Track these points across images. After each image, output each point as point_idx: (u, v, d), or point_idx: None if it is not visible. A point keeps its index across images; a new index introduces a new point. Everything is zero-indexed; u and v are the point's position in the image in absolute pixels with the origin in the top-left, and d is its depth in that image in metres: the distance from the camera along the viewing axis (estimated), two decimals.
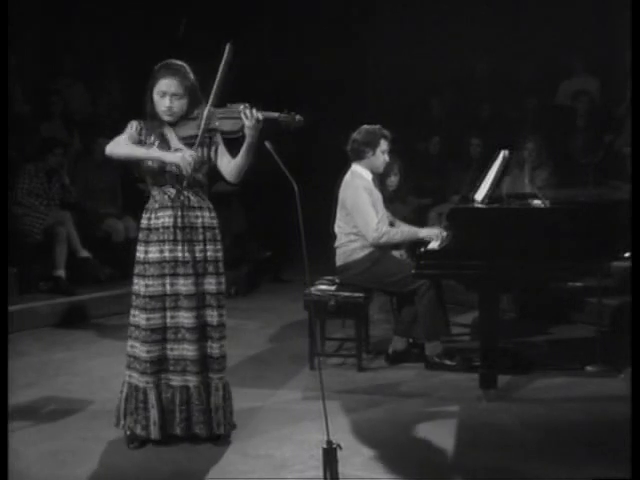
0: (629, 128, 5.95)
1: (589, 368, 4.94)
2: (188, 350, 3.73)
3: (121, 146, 3.73)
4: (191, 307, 3.73)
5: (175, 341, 3.75)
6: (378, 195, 5.16)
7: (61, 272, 6.81)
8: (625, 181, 5.17)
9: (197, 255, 3.76)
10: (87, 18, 8.90)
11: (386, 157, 5.14)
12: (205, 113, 3.66)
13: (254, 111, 3.62)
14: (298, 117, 3.67)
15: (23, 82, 8.35)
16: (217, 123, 3.70)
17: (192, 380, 3.75)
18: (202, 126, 3.66)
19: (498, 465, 3.58)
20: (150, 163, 3.72)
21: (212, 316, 3.78)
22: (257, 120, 3.61)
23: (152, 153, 3.70)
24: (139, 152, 3.72)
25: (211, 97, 3.66)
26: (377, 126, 5.14)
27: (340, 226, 5.15)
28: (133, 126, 3.80)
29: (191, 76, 3.78)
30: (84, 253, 7.03)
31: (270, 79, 9.49)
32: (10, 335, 5.12)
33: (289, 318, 6.42)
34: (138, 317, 3.78)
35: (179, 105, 3.74)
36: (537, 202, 4.68)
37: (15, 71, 7.83)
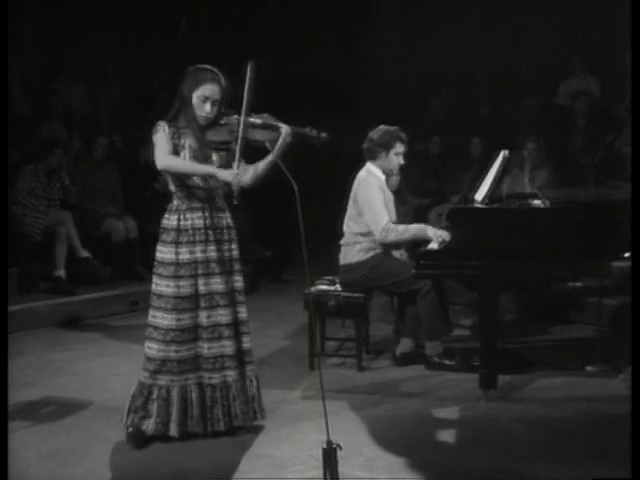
0: (629, 128, 5.95)
1: (589, 368, 4.94)
2: (226, 347, 3.83)
3: (175, 160, 3.75)
4: (227, 304, 3.84)
5: (212, 340, 3.82)
6: (390, 196, 5.17)
7: (61, 272, 6.81)
8: (625, 181, 5.18)
9: (226, 254, 3.89)
10: (87, 18, 8.90)
11: (400, 159, 5.12)
12: (242, 122, 3.68)
13: (289, 127, 3.74)
14: (324, 135, 3.82)
15: (23, 82, 8.36)
16: (251, 132, 3.74)
17: (231, 375, 3.84)
18: (241, 134, 3.67)
19: (498, 465, 3.58)
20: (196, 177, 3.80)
21: (242, 312, 3.94)
22: (289, 135, 3.73)
23: (208, 169, 3.74)
24: (196, 168, 3.76)
25: (244, 108, 3.68)
26: (395, 128, 5.12)
27: (349, 225, 5.15)
28: (165, 129, 3.77)
29: (224, 83, 3.82)
30: (84, 253, 7.03)
31: (270, 79, 9.49)
32: (10, 335, 5.12)
33: (289, 318, 6.42)
34: (163, 318, 3.79)
35: (216, 110, 3.80)
36: (537, 202, 4.68)
37: (15, 71, 7.83)
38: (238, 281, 3.96)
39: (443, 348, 5.01)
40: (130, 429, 3.83)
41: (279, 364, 5.24)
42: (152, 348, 3.81)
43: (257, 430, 3.95)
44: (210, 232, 3.83)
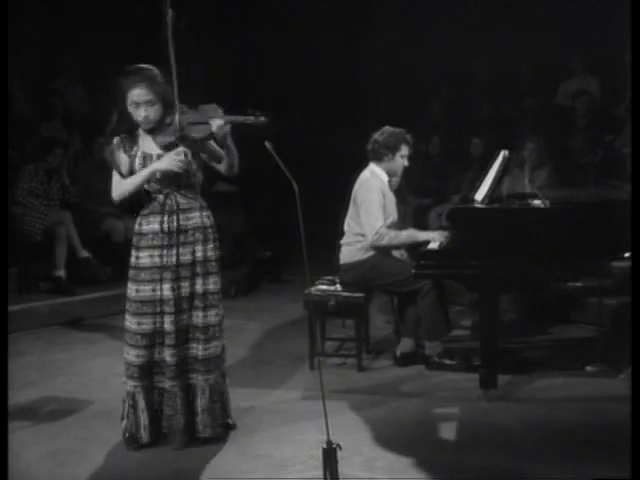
0: (629, 128, 5.95)
1: (589, 368, 4.94)
2: (167, 355, 3.74)
3: (122, 187, 3.80)
4: (170, 312, 3.74)
5: (161, 345, 3.77)
6: (392, 198, 5.16)
7: (61, 272, 6.81)
8: (625, 181, 5.17)
9: (183, 258, 3.77)
10: (87, 18, 8.90)
11: (405, 162, 5.13)
12: (176, 121, 3.64)
13: (217, 120, 3.65)
14: (263, 118, 3.69)
15: (23, 82, 8.36)
16: (189, 131, 3.70)
17: (168, 383, 3.76)
18: (177, 135, 3.67)
19: (498, 465, 3.58)
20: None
21: (197, 317, 3.79)
22: (221, 127, 3.65)
23: (146, 172, 3.73)
24: (137, 180, 3.77)
25: (176, 102, 3.61)
26: (400, 130, 5.12)
27: (350, 224, 5.15)
28: (118, 145, 3.80)
29: (158, 78, 3.74)
30: (84, 253, 7.03)
31: (270, 79, 9.50)
32: (10, 335, 5.11)
33: (289, 318, 6.42)
34: (129, 321, 3.81)
35: (154, 111, 3.75)
36: (537, 202, 4.68)
37: (15, 71, 7.82)
38: (198, 284, 3.79)
39: (443, 348, 5.01)
40: (126, 435, 3.83)
41: (279, 364, 5.24)
42: (128, 352, 3.82)
43: (228, 429, 3.91)
44: (165, 236, 3.76)
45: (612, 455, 3.61)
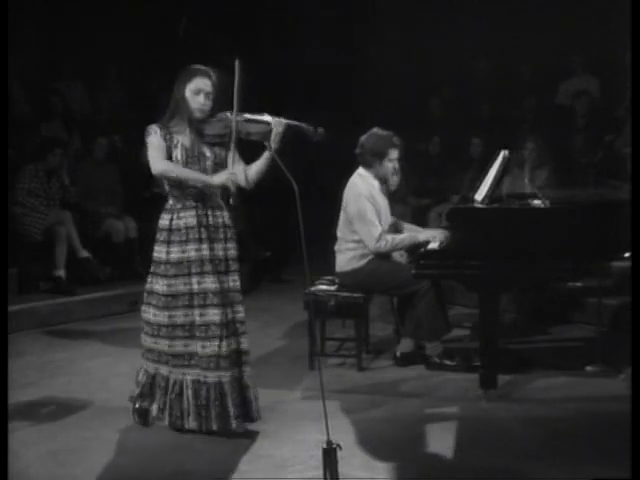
0: (629, 128, 5.95)
1: (589, 368, 4.94)
2: (221, 347, 3.82)
3: (170, 165, 3.81)
4: (220, 304, 3.84)
5: (205, 339, 3.83)
6: (384, 201, 5.13)
7: (61, 272, 6.82)
8: (625, 181, 5.17)
9: (219, 253, 3.89)
10: (87, 18, 8.90)
11: (395, 165, 5.08)
12: (234, 117, 3.75)
13: (282, 119, 3.80)
14: (320, 131, 3.86)
15: (23, 82, 8.36)
16: (244, 126, 3.81)
17: (226, 375, 3.83)
18: (234, 127, 3.75)
19: (498, 465, 3.58)
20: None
21: (239, 312, 3.94)
22: (282, 126, 3.78)
23: (201, 178, 3.81)
24: (191, 175, 3.82)
25: (235, 104, 3.75)
26: (387, 133, 5.05)
27: (342, 230, 5.13)
28: (157, 132, 3.84)
29: (216, 79, 3.91)
30: (84, 253, 7.04)
31: (269, 80, 9.49)
32: (10, 335, 5.12)
33: (289, 318, 6.42)
34: (154, 315, 3.89)
35: (210, 104, 3.87)
36: (537, 202, 4.68)
37: (15, 71, 7.83)
38: (234, 280, 3.95)
39: (443, 348, 5.01)
40: (137, 405, 3.99)
41: (279, 364, 5.24)
42: (146, 340, 3.95)
43: (252, 434, 3.92)
44: (203, 230, 3.85)
45: (612, 455, 3.61)
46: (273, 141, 3.80)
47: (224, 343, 3.82)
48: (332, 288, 5.13)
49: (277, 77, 9.53)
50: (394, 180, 5.57)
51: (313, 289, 5.08)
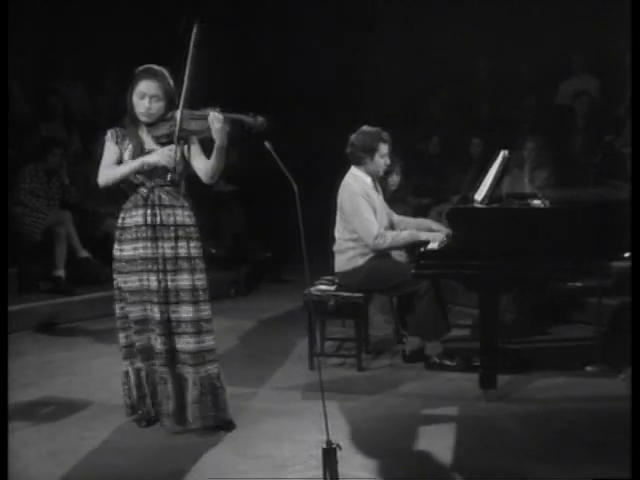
0: (629, 128, 5.95)
1: (589, 368, 4.94)
2: (158, 343, 3.87)
3: (108, 172, 3.89)
4: (159, 302, 3.84)
5: (152, 332, 3.90)
6: (379, 198, 5.13)
7: (61, 272, 6.82)
8: (625, 181, 5.17)
9: (167, 252, 3.87)
10: (87, 18, 8.90)
11: (386, 160, 5.08)
12: (179, 114, 3.75)
13: (217, 113, 3.75)
14: (261, 120, 3.76)
15: (23, 82, 8.36)
16: (188, 124, 3.80)
17: (160, 369, 3.90)
18: (177, 125, 3.76)
19: (498, 465, 3.58)
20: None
21: (187, 312, 3.87)
22: (219, 121, 3.72)
23: (135, 163, 3.84)
24: (126, 169, 3.86)
25: (182, 98, 3.75)
26: (376, 129, 5.06)
27: (339, 230, 5.12)
28: (110, 137, 3.92)
29: (170, 81, 3.91)
30: (84, 253, 7.04)
31: (269, 80, 9.49)
32: (10, 335, 5.12)
33: (289, 318, 6.42)
34: (124, 309, 3.96)
35: (157, 107, 3.86)
36: (537, 202, 4.68)
37: (15, 71, 7.83)
38: (185, 279, 3.87)
39: (443, 348, 5.01)
40: (127, 401, 4.04)
41: (279, 364, 5.24)
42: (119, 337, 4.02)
43: (228, 427, 3.97)
44: (149, 229, 3.86)
45: (612, 455, 3.61)
46: (215, 137, 3.76)
47: (159, 340, 3.85)
48: (332, 288, 5.13)
49: (276, 77, 9.53)
50: (394, 180, 5.58)
51: (313, 289, 5.07)
